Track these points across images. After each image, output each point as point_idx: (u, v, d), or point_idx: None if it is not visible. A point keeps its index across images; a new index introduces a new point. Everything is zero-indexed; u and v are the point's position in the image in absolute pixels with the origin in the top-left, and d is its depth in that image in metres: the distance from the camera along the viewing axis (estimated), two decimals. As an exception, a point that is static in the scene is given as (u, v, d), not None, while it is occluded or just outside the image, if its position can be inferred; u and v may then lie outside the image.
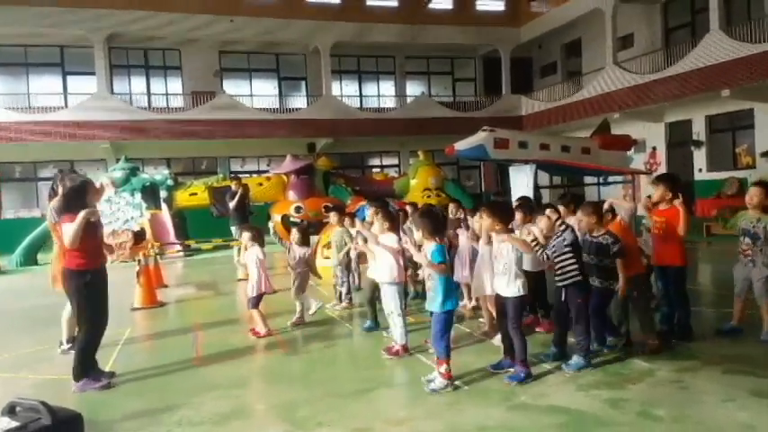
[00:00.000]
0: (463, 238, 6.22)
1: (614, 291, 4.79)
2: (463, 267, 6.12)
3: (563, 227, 4.71)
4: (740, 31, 15.93)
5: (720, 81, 15.95)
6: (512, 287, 4.33)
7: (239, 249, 11.06)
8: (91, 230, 4.66)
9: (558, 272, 4.60)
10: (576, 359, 4.49)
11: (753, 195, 5.10)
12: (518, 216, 4.90)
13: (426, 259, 4.27)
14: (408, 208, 8.18)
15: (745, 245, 5.12)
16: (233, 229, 11.26)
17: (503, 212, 4.51)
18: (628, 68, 19.58)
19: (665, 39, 20.31)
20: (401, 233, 5.81)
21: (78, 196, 4.63)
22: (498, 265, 4.42)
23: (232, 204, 11.26)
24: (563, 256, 4.57)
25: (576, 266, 4.55)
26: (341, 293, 7.38)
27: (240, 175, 14.32)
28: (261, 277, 6.07)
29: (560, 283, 4.62)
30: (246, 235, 6.27)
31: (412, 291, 7.24)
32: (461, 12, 24.29)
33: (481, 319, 6.02)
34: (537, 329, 5.65)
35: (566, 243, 4.56)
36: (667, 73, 17.68)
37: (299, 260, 6.63)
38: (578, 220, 4.90)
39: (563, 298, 4.64)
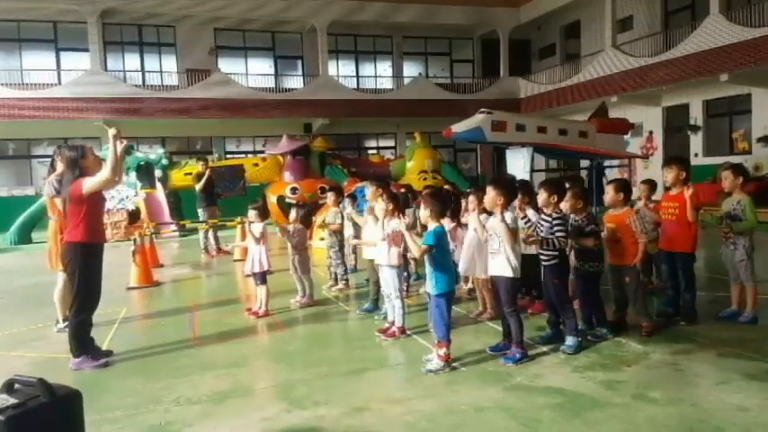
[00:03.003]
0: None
1: (599, 273, 4.85)
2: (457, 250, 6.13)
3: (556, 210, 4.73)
4: (740, 15, 15.84)
5: (719, 65, 15.89)
6: (504, 268, 4.34)
7: (206, 232, 11.04)
8: (99, 205, 4.68)
9: (544, 252, 4.63)
10: (569, 340, 4.54)
11: (724, 178, 5.19)
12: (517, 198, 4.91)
13: (414, 244, 4.29)
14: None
15: (726, 227, 5.18)
16: (199, 211, 11.17)
17: (508, 189, 4.49)
18: (627, 51, 19.47)
19: (664, 22, 20.20)
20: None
21: (80, 157, 4.65)
22: (492, 244, 4.43)
23: (199, 186, 11.14)
24: (547, 239, 4.59)
25: (556, 249, 4.57)
26: (336, 275, 7.38)
27: (207, 156, 14.14)
28: (262, 253, 6.06)
29: (544, 263, 4.66)
30: (252, 212, 6.24)
31: (413, 272, 7.24)
32: (460, -9, 24.06)
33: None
34: (529, 311, 5.69)
35: (552, 227, 4.58)
36: (666, 56, 17.60)
37: (294, 238, 6.60)
38: (566, 201, 4.95)
39: (543, 278, 4.72)
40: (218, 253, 10.95)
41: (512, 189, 4.57)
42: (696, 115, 18.38)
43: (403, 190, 8.15)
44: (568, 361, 4.33)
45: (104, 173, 4.50)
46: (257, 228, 6.13)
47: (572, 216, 4.91)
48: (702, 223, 5.41)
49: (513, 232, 4.32)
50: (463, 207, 6.24)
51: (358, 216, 6.33)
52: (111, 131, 4.48)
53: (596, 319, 4.93)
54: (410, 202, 6.53)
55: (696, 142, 18.37)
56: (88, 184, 4.52)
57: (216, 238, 11.10)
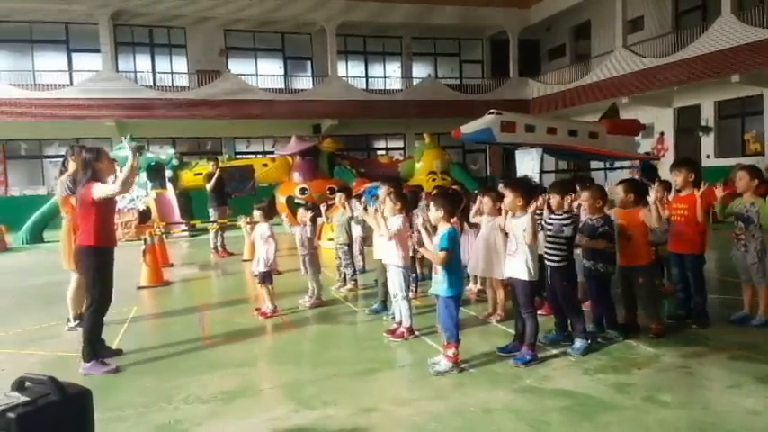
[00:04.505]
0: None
1: (610, 275, 4.82)
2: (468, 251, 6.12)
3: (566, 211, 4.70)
4: (752, 16, 15.71)
5: (731, 66, 15.77)
6: (522, 270, 4.32)
7: (217, 232, 11.08)
8: (110, 208, 4.69)
9: (549, 253, 4.59)
10: (578, 343, 4.50)
11: (739, 179, 5.14)
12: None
13: (432, 253, 4.25)
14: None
15: (738, 229, 5.13)
16: (210, 210, 11.21)
17: (526, 189, 4.44)
18: (637, 52, 19.36)
19: (675, 22, 20.07)
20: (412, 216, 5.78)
21: (95, 160, 4.64)
22: (510, 245, 4.41)
23: (209, 186, 11.19)
24: (556, 239, 4.55)
25: (565, 251, 4.54)
26: (345, 275, 7.38)
27: (217, 157, 14.14)
28: (270, 253, 6.07)
29: (549, 264, 4.62)
30: (257, 212, 6.26)
31: (419, 273, 7.23)
32: (470, -9, 24.02)
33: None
34: (540, 312, 5.64)
35: (564, 229, 4.54)
36: (677, 57, 17.49)
37: (303, 240, 6.61)
38: (584, 201, 4.94)
39: (549, 279, 4.69)
40: (223, 254, 10.98)
41: (529, 189, 4.51)
42: (708, 116, 18.25)
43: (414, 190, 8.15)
44: (578, 363, 4.31)
45: (117, 184, 4.48)
46: (265, 231, 6.14)
47: (588, 216, 4.89)
48: (714, 225, 5.35)
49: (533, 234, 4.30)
50: (473, 208, 6.21)
51: (370, 217, 6.31)
52: (132, 145, 4.53)
53: (607, 321, 4.90)
54: (417, 202, 6.53)
55: (708, 144, 18.23)
56: (98, 191, 4.51)
57: (223, 239, 11.14)
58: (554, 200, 4.67)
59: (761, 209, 4.96)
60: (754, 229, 5.01)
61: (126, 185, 4.49)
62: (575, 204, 5.08)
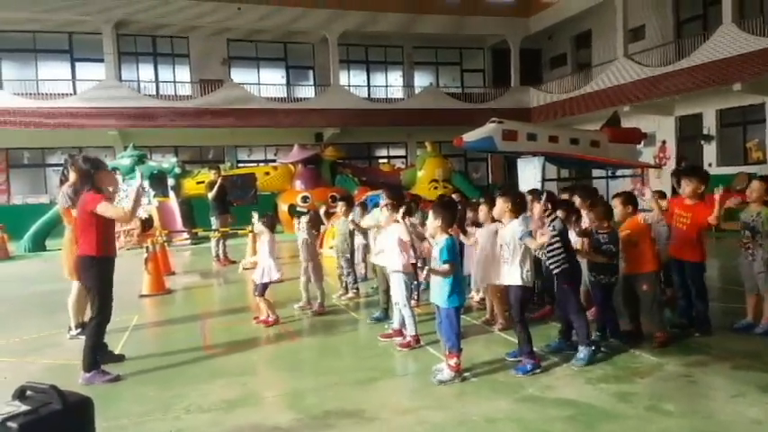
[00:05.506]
0: (471, 229, 6.21)
1: (613, 284, 4.84)
2: (470, 260, 6.12)
3: (552, 216, 4.73)
4: (753, 25, 15.74)
5: (732, 75, 15.78)
6: (515, 275, 4.32)
7: (218, 241, 11.07)
8: (111, 219, 4.70)
9: (551, 260, 4.60)
10: (582, 352, 4.47)
11: (753, 189, 5.13)
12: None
13: (436, 268, 4.26)
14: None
15: (745, 238, 5.13)
16: (212, 219, 11.21)
17: (517, 199, 4.49)
18: (638, 61, 19.41)
19: (676, 31, 20.11)
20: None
21: (94, 169, 4.68)
22: (505, 252, 4.41)
23: (211, 195, 11.20)
24: (553, 245, 4.55)
25: (563, 255, 4.55)
26: (346, 283, 7.37)
27: (219, 165, 14.10)
28: (271, 264, 6.06)
29: (554, 271, 4.64)
30: (259, 223, 6.26)
31: (423, 281, 7.21)
32: (470, 1, 24.08)
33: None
34: (532, 316, 5.59)
35: (554, 232, 4.54)
36: (678, 66, 17.51)
37: (305, 247, 6.60)
38: (587, 214, 4.99)
39: (555, 286, 4.73)
40: (225, 262, 10.97)
41: (519, 198, 4.56)
42: (709, 125, 18.24)
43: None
44: (581, 372, 4.29)
45: (125, 213, 4.55)
46: (268, 240, 6.13)
47: (588, 226, 4.94)
48: (716, 234, 5.34)
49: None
50: (469, 216, 6.25)
51: (366, 220, 6.34)
52: (139, 184, 4.70)
53: (610, 329, 4.89)
54: (413, 210, 6.58)
55: (710, 152, 18.22)
56: (103, 208, 4.50)
57: (224, 247, 11.13)
58: (536, 210, 4.72)
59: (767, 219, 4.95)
60: (761, 238, 5.00)
61: (132, 216, 4.64)
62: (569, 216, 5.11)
